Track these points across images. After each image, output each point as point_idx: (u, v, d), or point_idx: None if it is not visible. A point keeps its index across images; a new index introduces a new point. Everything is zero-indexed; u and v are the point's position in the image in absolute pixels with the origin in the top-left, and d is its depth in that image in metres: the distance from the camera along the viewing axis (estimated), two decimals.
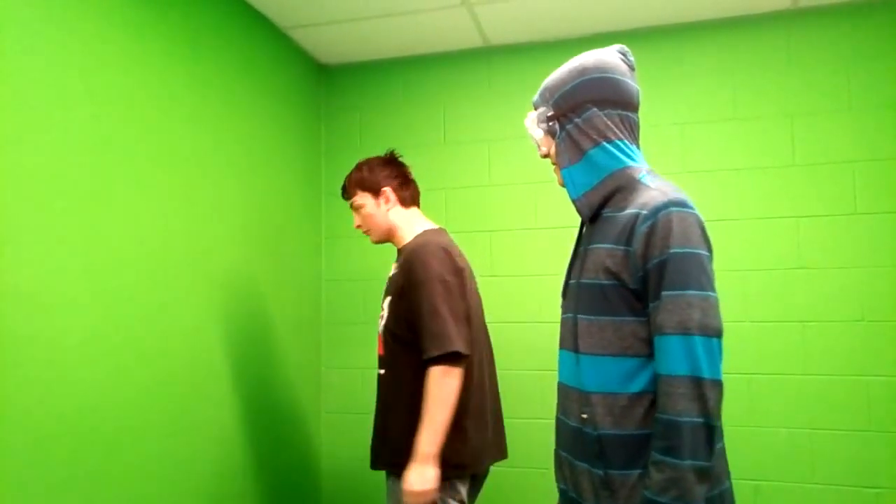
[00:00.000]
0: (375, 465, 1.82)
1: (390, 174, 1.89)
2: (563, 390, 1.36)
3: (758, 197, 2.43)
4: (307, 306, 2.70)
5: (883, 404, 2.27)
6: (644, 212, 1.19)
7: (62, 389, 1.45)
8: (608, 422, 1.22)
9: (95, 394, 1.54)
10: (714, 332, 1.13)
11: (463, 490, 1.72)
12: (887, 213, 2.31)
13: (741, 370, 2.39)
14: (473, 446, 1.71)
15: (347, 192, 1.94)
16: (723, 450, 1.24)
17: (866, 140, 2.35)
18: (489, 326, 2.63)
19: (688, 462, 1.09)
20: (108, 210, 1.60)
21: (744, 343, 2.40)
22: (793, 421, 2.34)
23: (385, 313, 1.82)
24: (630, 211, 1.23)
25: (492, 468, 2.58)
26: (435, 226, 1.90)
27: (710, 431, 1.10)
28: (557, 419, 1.39)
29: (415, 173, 2.76)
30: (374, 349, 2.76)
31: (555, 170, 1.39)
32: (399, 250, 1.90)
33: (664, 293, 1.15)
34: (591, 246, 1.30)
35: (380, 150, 2.82)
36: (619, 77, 1.30)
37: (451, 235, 2.68)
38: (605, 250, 1.25)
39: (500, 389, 2.61)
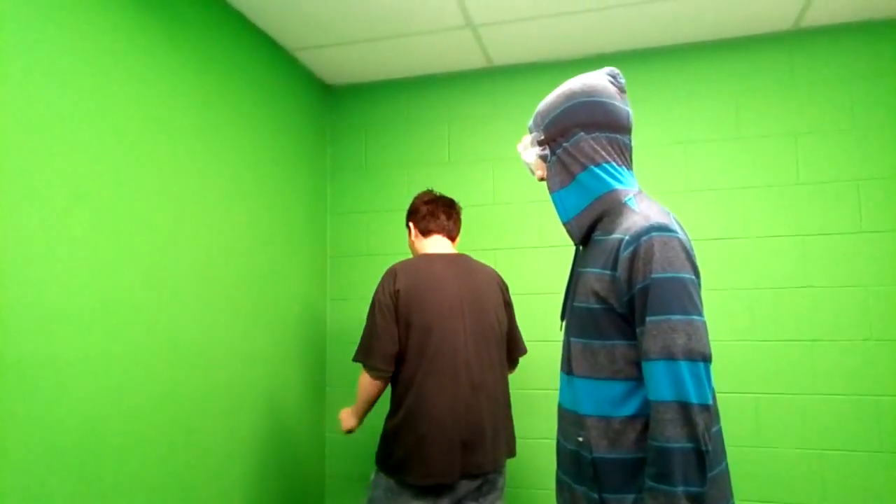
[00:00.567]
0: None
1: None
2: (561, 413, 1.36)
3: (762, 215, 2.42)
4: (312, 324, 2.72)
5: (893, 423, 2.23)
6: (627, 237, 1.20)
7: (66, 402, 1.47)
8: (603, 445, 1.22)
9: (100, 405, 1.56)
10: (700, 357, 1.12)
11: (383, 482, 1.91)
12: (893, 231, 2.29)
13: (748, 390, 2.37)
14: (398, 457, 1.87)
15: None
16: (724, 474, 1.23)
17: (871, 158, 2.34)
18: None
19: (680, 489, 1.08)
20: (114, 224, 1.63)
21: (750, 362, 2.38)
22: (801, 441, 2.31)
23: None
24: (615, 236, 1.23)
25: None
26: (440, 251, 2.07)
27: (702, 456, 1.09)
28: (557, 442, 1.39)
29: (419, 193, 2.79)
30: None
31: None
32: None
33: (648, 318, 1.15)
34: (583, 270, 1.30)
35: (385, 170, 2.85)
36: (607, 100, 1.31)
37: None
38: (593, 275, 1.25)
39: None
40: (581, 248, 1.37)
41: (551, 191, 1.35)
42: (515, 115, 2.72)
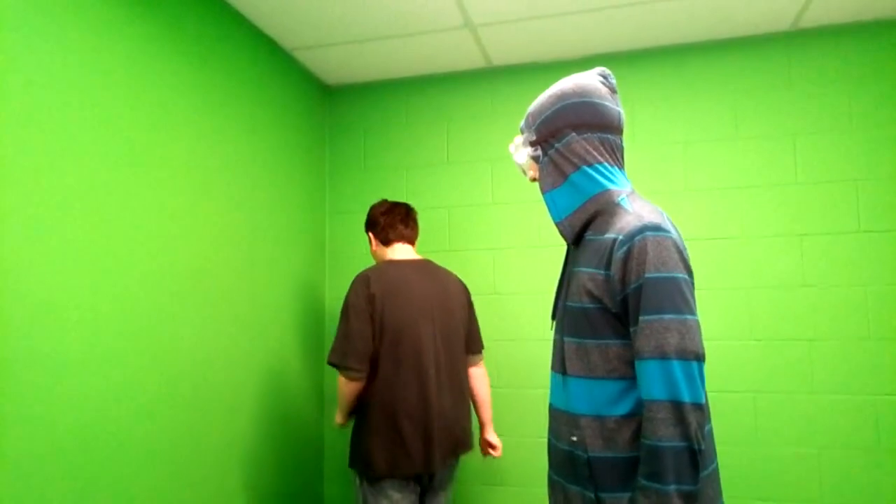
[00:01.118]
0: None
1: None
2: (553, 413, 1.36)
3: (761, 215, 2.42)
4: (311, 323, 2.73)
5: (891, 422, 2.23)
6: (620, 237, 1.20)
7: (66, 400, 1.47)
8: (598, 444, 1.22)
9: (99, 405, 1.57)
10: (693, 356, 1.13)
11: (365, 485, 2.00)
12: (891, 230, 2.29)
13: (746, 388, 2.37)
14: (377, 456, 1.96)
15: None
16: (715, 473, 1.23)
17: (869, 158, 2.34)
18: (492, 344, 2.64)
19: (672, 487, 1.08)
20: (113, 223, 1.64)
21: (749, 361, 2.38)
22: (799, 440, 2.31)
23: None
24: (609, 235, 1.24)
25: (492, 487, 2.58)
26: (405, 257, 2.15)
27: (694, 455, 1.10)
28: (549, 442, 1.39)
29: (418, 192, 2.79)
30: None
31: None
32: None
33: (641, 318, 1.16)
34: (575, 269, 1.31)
35: (383, 170, 2.85)
36: (598, 100, 1.31)
37: (454, 254, 2.71)
38: (586, 274, 1.25)
39: (504, 407, 2.61)
40: (573, 247, 1.37)
41: (543, 191, 1.35)
42: (514, 114, 2.73)
